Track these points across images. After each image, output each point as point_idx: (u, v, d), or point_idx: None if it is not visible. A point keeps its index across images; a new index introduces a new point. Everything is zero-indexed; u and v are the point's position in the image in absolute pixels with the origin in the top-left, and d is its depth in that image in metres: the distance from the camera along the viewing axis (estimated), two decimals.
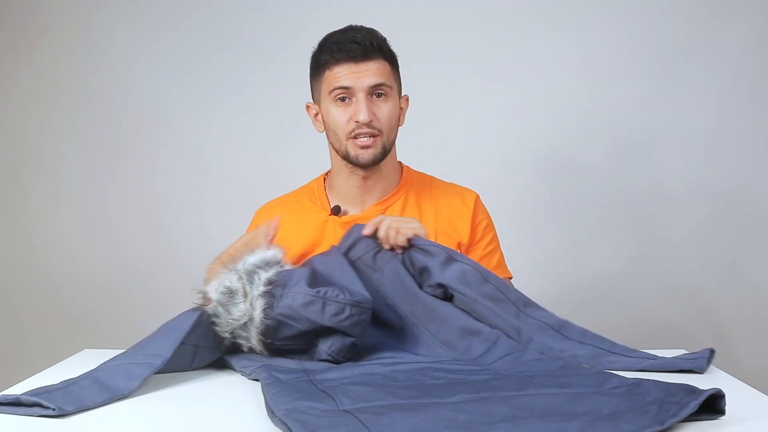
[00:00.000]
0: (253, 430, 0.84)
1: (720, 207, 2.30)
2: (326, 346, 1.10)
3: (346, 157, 1.45)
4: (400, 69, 1.49)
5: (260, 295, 1.08)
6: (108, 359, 1.05)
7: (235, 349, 1.16)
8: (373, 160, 1.43)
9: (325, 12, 2.30)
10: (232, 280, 1.10)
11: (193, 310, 1.12)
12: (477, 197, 1.54)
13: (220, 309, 1.10)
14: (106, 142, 2.44)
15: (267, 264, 1.13)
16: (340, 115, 1.42)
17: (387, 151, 1.45)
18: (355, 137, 1.41)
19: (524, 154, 2.34)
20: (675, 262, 2.32)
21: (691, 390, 0.82)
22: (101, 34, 2.45)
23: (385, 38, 1.45)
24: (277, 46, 2.38)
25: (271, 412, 0.85)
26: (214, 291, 1.11)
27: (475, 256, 1.47)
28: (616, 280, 2.32)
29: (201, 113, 2.42)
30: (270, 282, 1.10)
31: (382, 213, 1.46)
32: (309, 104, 1.53)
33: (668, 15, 2.30)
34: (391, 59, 1.46)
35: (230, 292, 1.09)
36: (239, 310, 1.09)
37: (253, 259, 1.14)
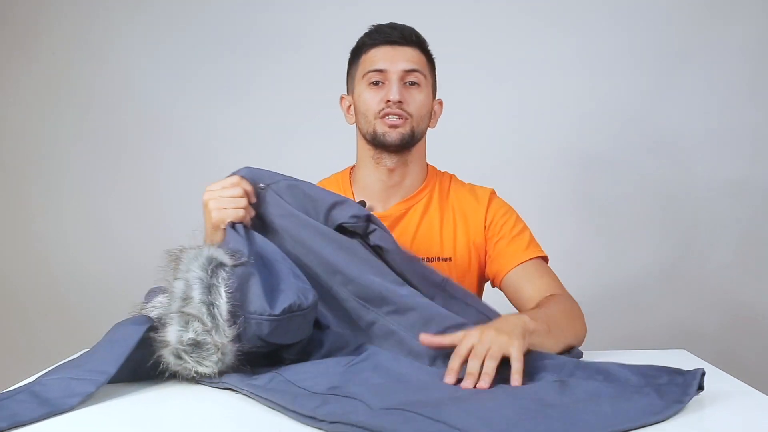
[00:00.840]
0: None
1: (726, 202, 2.30)
2: (288, 354, 1.08)
3: (373, 139, 1.42)
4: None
5: (231, 341, 0.99)
6: (46, 371, 1.00)
7: None
8: (401, 140, 1.40)
9: (325, 13, 2.30)
10: (197, 331, 0.98)
11: (140, 321, 1.06)
12: (491, 192, 1.51)
13: (188, 358, 0.99)
14: (107, 142, 2.44)
15: (211, 273, 1.00)
16: (371, 98, 1.41)
17: (415, 137, 1.42)
18: (384, 116, 1.40)
19: (533, 154, 2.34)
20: (682, 260, 2.31)
21: (676, 371, 0.85)
22: (101, 34, 2.45)
23: (425, 39, 1.47)
24: (279, 47, 2.38)
25: (310, 418, 0.82)
26: (176, 341, 0.99)
27: (503, 244, 1.43)
28: (635, 283, 2.32)
29: (203, 113, 2.42)
30: (233, 315, 0.99)
31: (406, 212, 1.45)
32: (343, 96, 1.52)
33: (668, 14, 2.30)
34: (428, 56, 1.47)
35: (197, 344, 0.99)
36: (212, 362, 0.99)
37: (194, 273, 1.00)
